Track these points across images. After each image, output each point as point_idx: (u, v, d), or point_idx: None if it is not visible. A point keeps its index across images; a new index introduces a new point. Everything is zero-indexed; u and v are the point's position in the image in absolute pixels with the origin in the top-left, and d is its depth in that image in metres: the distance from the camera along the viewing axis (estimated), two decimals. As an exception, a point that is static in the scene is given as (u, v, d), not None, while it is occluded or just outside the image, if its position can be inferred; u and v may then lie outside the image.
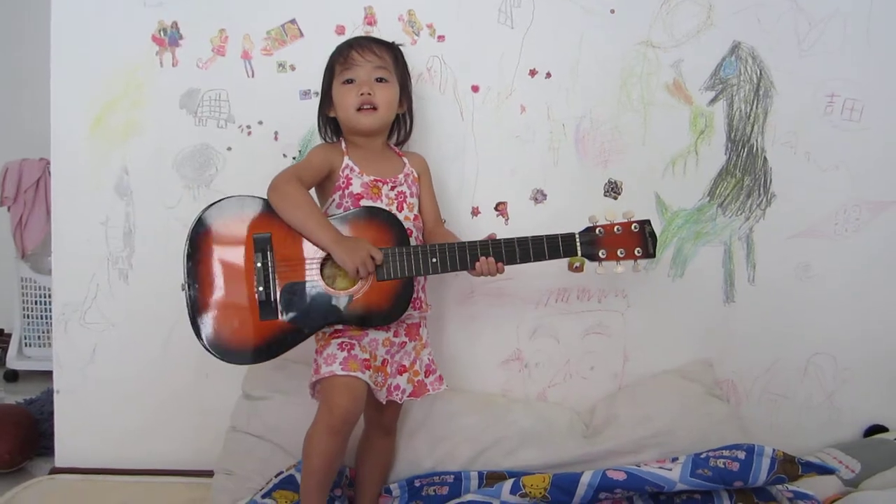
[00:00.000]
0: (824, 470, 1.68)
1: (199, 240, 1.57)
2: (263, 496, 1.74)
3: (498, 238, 1.63)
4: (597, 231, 1.62)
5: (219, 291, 1.56)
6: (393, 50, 1.78)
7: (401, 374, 1.70)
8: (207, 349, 1.54)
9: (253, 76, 1.99)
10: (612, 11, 2.00)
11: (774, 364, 2.14)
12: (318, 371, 1.59)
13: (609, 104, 2.03)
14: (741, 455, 1.66)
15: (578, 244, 1.62)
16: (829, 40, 2.03)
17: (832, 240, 2.10)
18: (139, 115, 2.00)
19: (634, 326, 2.10)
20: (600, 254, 1.61)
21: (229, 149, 2.01)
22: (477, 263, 1.60)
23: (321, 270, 1.58)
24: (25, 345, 3.00)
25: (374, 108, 1.70)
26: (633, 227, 1.62)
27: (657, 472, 1.66)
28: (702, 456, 1.69)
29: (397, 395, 1.69)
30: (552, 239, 1.61)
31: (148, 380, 2.06)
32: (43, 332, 2.98)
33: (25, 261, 2.95)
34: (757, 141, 2.06)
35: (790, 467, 1.63)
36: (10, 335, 3.05)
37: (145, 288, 2.04)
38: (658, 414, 1.92)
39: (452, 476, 1.85)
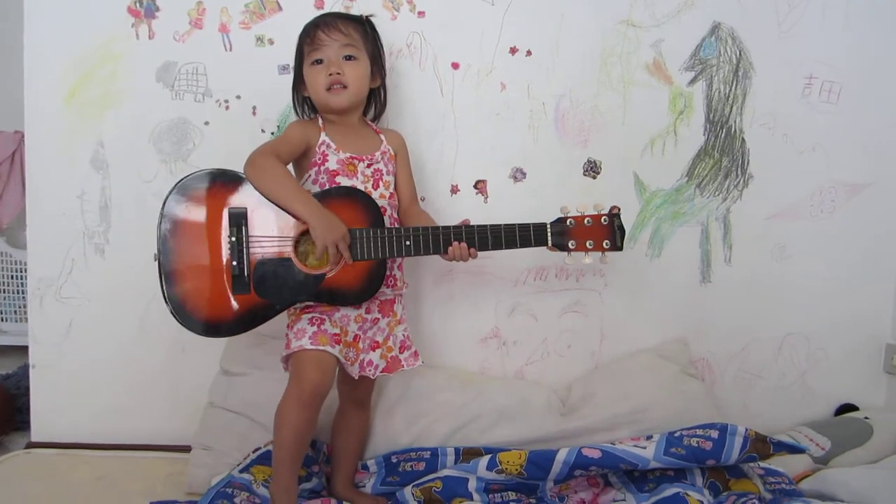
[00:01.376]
0: (795, 449, 1.72)
1: (174, 211, 1.57)
2: (241, 471, 1.74)
3: (472, 224, 1.64)
4: (567, 222, 1.65)
5: (192, 263, 1.56)
6: (361, 24, 1.76)
7: (373, 350, 1.71)
8: (175, 317, 1.55)
9: (231, 50, 1.97)
10: (593, -10, 2.00)
11: (749, 344, 2.17)
12: (288, 346, 1.60)
13: (589, 83, 2.03)
14: (714, 434, 1.68)
15: (549, 234, 1.65)
16: (809, 22, 2.05)
17: (808, 221, 2.13)
18: (115, 87, 1.97)
19: (612, 305, 2.12)
20: (569, 244, 1.65)
21: (207, 123, 1.99)
22: (450, 248, 1.62)
23: (295, 248, 1.59)
24: (1, 319, 2.97)
25: (345, 87, 1.70)
26: (602, 220, 1.65)
27: (632, 450, 1.68)
28: (675, 434, 1.71)
29: (370, 370, 1.70)
30: (524, 228, 1.64)
31: (124, 354, 2.05)
32: (19, 307, 2.94)
33: (1, 235, 2.91)
34: (735, 122, 2.07)
35: (762, 446, 1.66)
36: (-15, 310, 3.02)
37: (121, 262, 2.02)
38: (634, 392, 1.94)
39: (429, 452, 1.86)
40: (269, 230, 1.58)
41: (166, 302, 1.54)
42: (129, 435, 2.05)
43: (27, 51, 1.96)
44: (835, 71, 2.07)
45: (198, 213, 1.58)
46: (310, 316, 1.62)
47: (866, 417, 2.04)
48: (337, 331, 1.62)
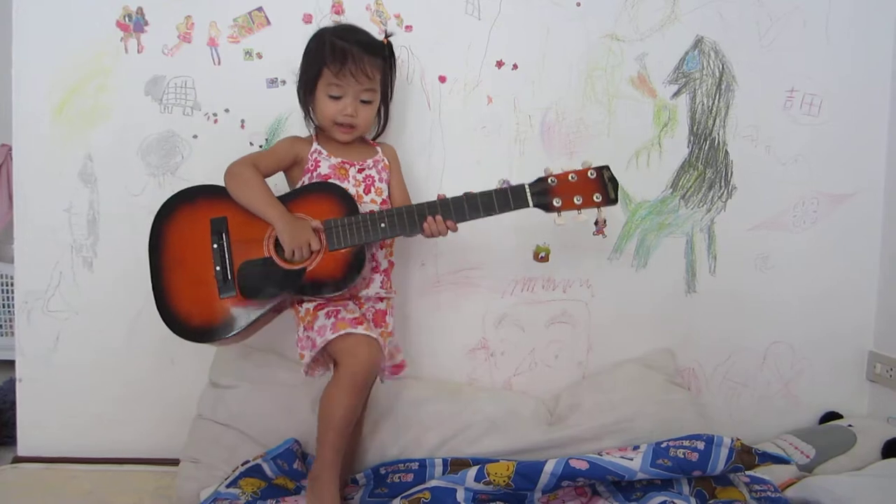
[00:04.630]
0: (780, 460, 1.73)
1: (161, 229, 1.67)
2: (229, 485, 1.74)
3: (446, 197, 1.64)
4: (549, 181, 1.62)
5: (182, 276, 1.64)
6: (383, 59, 1.76)
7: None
8: (170, 327, 1.62)
9: (219, 64, 1.98)
10: (579, 4, 2.02)
11: (734, 353, 2.19)
12: (314, 345, 1.60)
13: (574, 96, 2.06)
14: (700, 445, 1.69)
15: (529, 195, 1.61)
16: (789, 36, 2.08)
17: (791, 231, 2.15)
18: (104, 101, 1.98)
19: (598, 316, 2.13)
20: (554, 202, 1.60)
21: (195, 136, 1.99)
22: (425, 224, 1.62)
23: (275, 247, 1.63)
24: (-14, 333, 2.96)
25: (353, 127, 1.74)
26: (589, 174, 1.61)
27: (619, 461, 1.69)
28: (662, 445, 1.72)
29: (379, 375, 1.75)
30: (501, 191, 1.62)
31: (112, 368, 2.04)
32: (4, 321, 2.93)
33: (-13, 248, 2.90)
34: (719, 134, 2.10)
35: (747, 457, 1.67)
36: (-30, 324, 3.00)
37: (110, 276, 2.02)
38: (620, 402, 1.95)
39: (417, 463, 1.86)
40: (250, 234, 1.64)
41: (168, 325, 1.62)
42: (117, 448, 2.04)
43: (15, 64, 1.96)
44: (816, 83, 2.11)
45: (184, 227, 1.67)
46: (325, 310, 1.64)
47: (850, 425, 2.06)
48: (355, 315, 1.64)
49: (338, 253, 1.63)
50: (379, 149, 1.85)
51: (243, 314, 1.62)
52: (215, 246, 1.63)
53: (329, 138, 1.78)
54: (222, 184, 1.67)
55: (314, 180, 1.72)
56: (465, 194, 1.63)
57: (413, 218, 1.62)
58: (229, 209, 1.65)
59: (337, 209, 1.65)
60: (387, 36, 1.80)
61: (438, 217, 1.62)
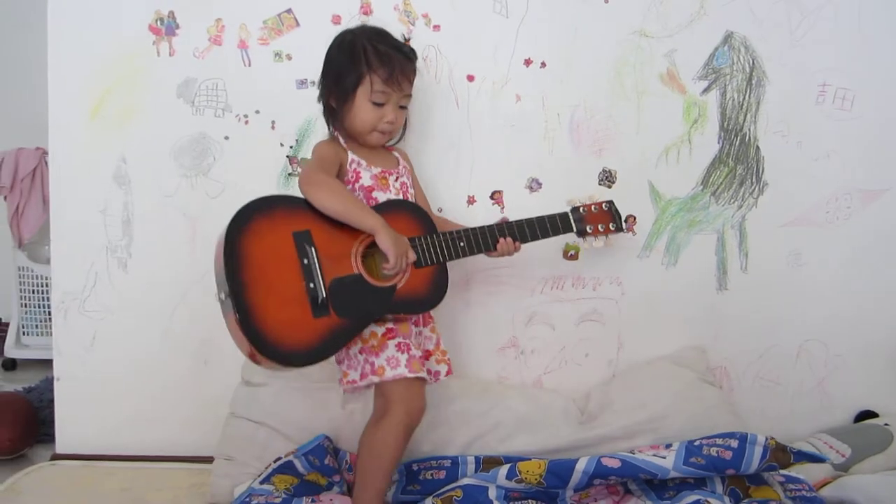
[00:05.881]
0: (815, 459, 1.71)
1: (239, 241, 1.51)
2: (262, 481, 1.76)
3: (511, 220, 1.77)
4: (581, 210, 1.82)
5: (269, 295, 1.50)
6: (416, 66, 1.79)
7: (428, 359, 1.76)
8: (267, 358, 1.48)
9: (250, 65, 2.00)
10: (607, 1, 2.01)
11: (766, 351, 2.17)
12: (377, 372, 1.60)
13: (603, 93, 2.05)
14: (734, 444, 1.68)
15: (573, 221, 1.81)
16: (821, 30, 2.06)
17: (823, 228, 2.13)
18: (137, 103, 2.00)
19: (629, 313, 2.13)
20: (588, 229, 1.82)
21: (227, 138, 2.01)
22: (497, 244, 1.73)
23: (362, 263, 1.61)
24: (23, 333, 3.01)
25: (390, 133, 1.77)
26: (603, 206, 1.84)
27: (651, 459, 1.68)
28: (695, 444, 1.71)
29: (431, 378, 1.76)
30: (552, 218, 1.80)
31: (147, 367, 2.07)
32: (41, 321, 2.99)
33: (22, 250, 2.95)
34: (749, 130, 2.08)
35: (782, 456, 1.66)
36: (7, 324, 3.06)
37: (144, 276, 2.05)
38: (651, 400, 1.94)
39: (449, 461, 1.87)
40: (336, 248, 1.58)
41: (256, 349, 1.46)
42: (153, 446, 2.07)
43: (51, 69, 1.99)
44: (848, 78, 2.08)
45: (263, 243, 1.53)
46: (395, 342, 1.62)
47: (886, 424, 2.03)
48: (420, 353, 1.67)
49: (422, 271, 1.64)
50: (396, 153, 1.86)
51: (339, 335, 1.54)
52: (305, 262, 1.53)
53: (358, 146, 1.77)
54: (255, 192, 1.59)
55: (357, 193, 1.70)
56: (526, 220, 1.77)
57: (487, 239, 1.73)
58: (311, 222, 1.57)
59: (414, 227, 1.67)
60: (407, 40, 1.84)
61: (509, 239, 1.74)
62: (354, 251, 1.60)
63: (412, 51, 1.79)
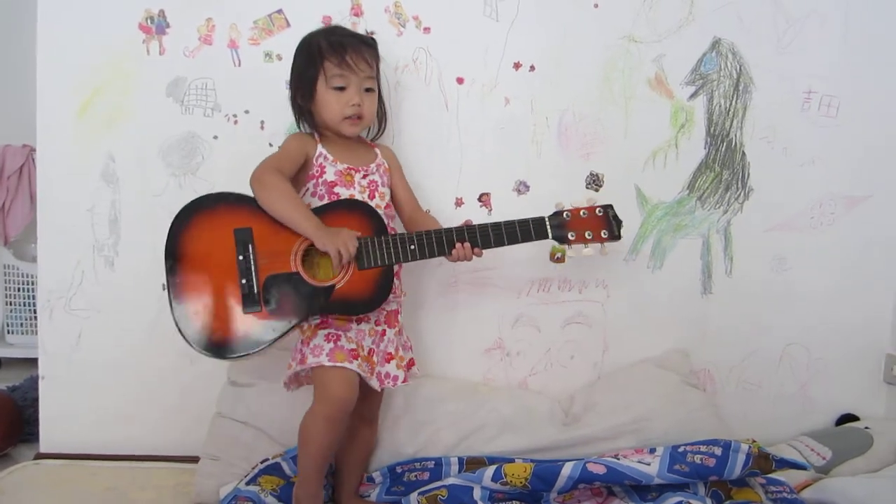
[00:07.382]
0: (798, 466, 1.72)
1: (180, 237, 1.60)
2: (248, 483, 1.76)
3: (473, 224, 1.68)
4: (564, 215, 1.68)
5: (201, 287, 1.58)
6: (376, 50, 1.79)
7: (388, 362, 1.74)
8: (193, 346, 1.56)
9: (240, 65, 2.00)
10: (596, 6, 2.03)
11: (750, 354, 2.19)
12: (303, 361, 1.62)
13: (591, 98, 2.07)
14: (717, 451, 1.69)
15: (549, 227, 1.68)
16: (807, 37, 2.08)
17: (807, 233, 2.15)
18: (126, 102, 2.00)
19: (614, 316, 2.14)
20: (569, 236, 1.68)
21: (216, 137, 2.01)
22: (453, 249, 1.64)
23: (302, 262, 1.61)
24: (8, 332, 2.99)
25: (360, 118, 1.74)
26: (597, 212, 1.69)
27: (636, 466, 1.69)
28: (679, 450, 1.73)
29: (389, 382, 1.73)
30: (524, 223, 1.67)
31: (133, 366, 2.06)
32: (26, 320, 2.96)
33: (8, 248, 2.93)
34: (736, 135, 2.11)
35: (764, 463, 1.67)
36: (-8, 322, 3.04)
37: (131, 275, 2.04)
38: (636, 402, 1.96)
39: (433, 462, 1.88)
40: (276, 247, 1.60)
41: (183, 336, 1.56)
42: (138, 445, 2.06)
43: (40, 66, 1.98)
44: (833, 85, 2.11)
45: (203, 237, 1.60)
46: (326, 332, 1.64)
47: (867, 427, 2.06)
48: (353, 346, 1.64)
49: (366, 272, 1.61)
50: (377, 150, 1.85)
51: (267, 330, 1.57)
52: (241, 258, 1.58)
53: (331, 140, 1.77)
54: (237, 189, 1.64)
55: (320, 187, 1.71)
56: (492, 224, 1.66)
57: (442, 243, 1.65)
58: (253, 219, 1.60)
59: (365, 227, 1.64)
60: (370, 34, 1.84)
61: (467, 244, 1.65)
62: (295, 249, 1.60)
63: (369, 37, 1.80)
